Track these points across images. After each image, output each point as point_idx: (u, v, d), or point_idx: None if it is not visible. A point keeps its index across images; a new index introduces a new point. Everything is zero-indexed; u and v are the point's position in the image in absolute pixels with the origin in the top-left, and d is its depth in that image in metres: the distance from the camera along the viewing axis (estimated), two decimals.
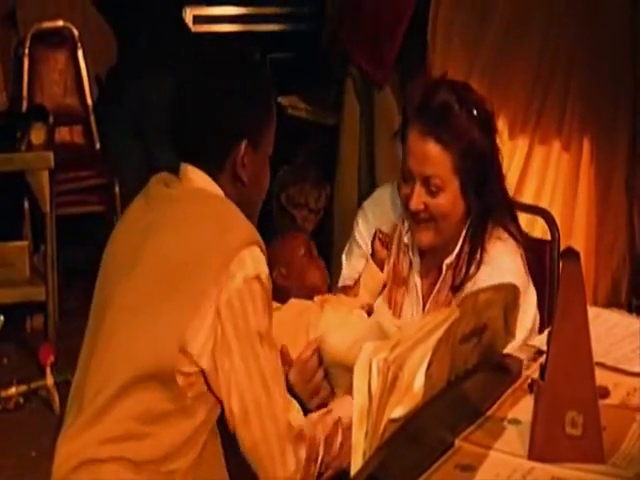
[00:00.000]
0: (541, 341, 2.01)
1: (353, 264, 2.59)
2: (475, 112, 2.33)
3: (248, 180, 2.13)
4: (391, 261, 2.52)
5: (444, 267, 2.43)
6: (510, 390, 1.95)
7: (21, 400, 4.05)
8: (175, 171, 2.20)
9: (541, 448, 1.71)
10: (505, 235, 2.42)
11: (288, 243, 2.57)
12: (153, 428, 2.00)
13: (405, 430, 1.55)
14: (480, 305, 1.77)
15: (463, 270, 2.40)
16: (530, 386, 1.94)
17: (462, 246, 2.42)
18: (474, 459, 1.70)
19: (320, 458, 2.06)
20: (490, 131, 2.37)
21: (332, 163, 3.96)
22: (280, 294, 2.38)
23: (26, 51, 5.12)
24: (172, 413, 2.00)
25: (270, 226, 4.57)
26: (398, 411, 1.54)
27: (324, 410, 2.15)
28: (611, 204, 3.28)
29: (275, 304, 2.27)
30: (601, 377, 1.84)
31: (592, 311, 1.94)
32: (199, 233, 2.04)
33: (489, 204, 2.39)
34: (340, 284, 2.59)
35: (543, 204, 3.14)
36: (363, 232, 2.58)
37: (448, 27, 3.44)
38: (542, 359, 1.81)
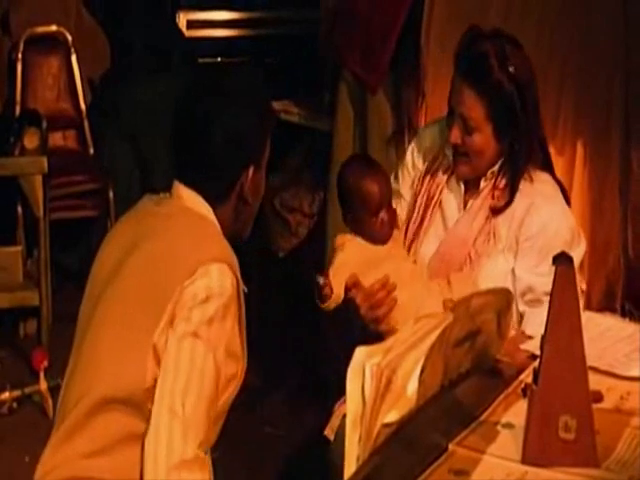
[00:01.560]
0: (534, 345, 2.01)
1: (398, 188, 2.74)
2: (512, 69, 2.47)
3: (252, 198, 2.18)
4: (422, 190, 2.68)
5: (482, 181, 2.58)
6: (503, 394, 1.96)
7: (15, 405, 4.05)
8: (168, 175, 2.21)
9: (535, 452, 1.71)
10: (544, 176, 2.58)
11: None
12: (127, 447, 1.99)
13: (399, 435, 1.55)
14: (473, 309, 1.78)
15: (501, 192, 2.55)
16: (523, 390, 1.94)
17: (499, 171, 2.57)
18: (468, 463, 1.70)
19: None
20: (526, 87, 2.50)
21: (326, 168, 3.96)
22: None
23: (19, 56, 5.11)
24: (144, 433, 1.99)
25: (263, 230, 4.58)
26: (392, 416, 1.54)
27: None
28: (604, 209, 3.29)
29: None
30: (594, 381, 1.84)
31: (585, 315, 1.94)
32: (173, 247, 2.05)
33: (523, 153, 2.53)
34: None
35: None
36: (415, 155, 2.75)
37: (441, 32, 3.44)
38: (535, 363, 1.81)
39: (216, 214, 2.14)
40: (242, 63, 2.25)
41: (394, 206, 2.60)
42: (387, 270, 2.46)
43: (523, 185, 2.55)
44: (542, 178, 2.58)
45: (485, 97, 2.48)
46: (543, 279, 2.41)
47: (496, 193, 2.58)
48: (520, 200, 2.54)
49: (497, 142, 2.54)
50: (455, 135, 2.53)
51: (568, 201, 2.63)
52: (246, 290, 2.12)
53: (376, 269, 2.47)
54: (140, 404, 1.98)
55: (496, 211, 2.56)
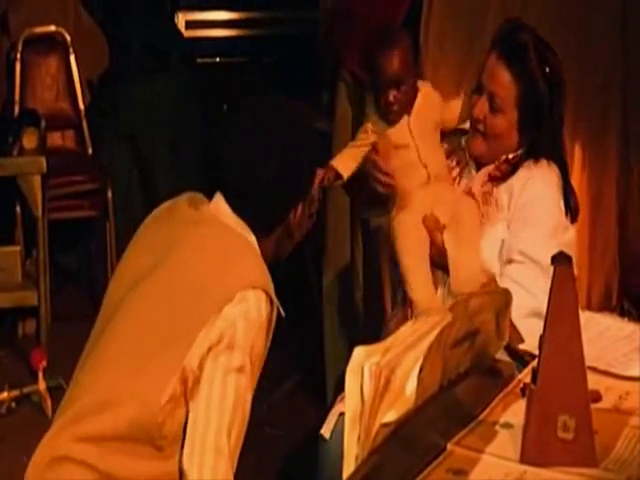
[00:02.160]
0: (533, 345, 2.01)
1: None
2: (548, 70, 2.53)
3: (297, 230, 2.19)
4: None
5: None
6: (502, 394, 1.95)
7: (13, 405, 4.05)
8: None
9: (533, 452, 1.71)
10: (553, 166, 2.59)
11: None
12: (128, 448, 1.99)
13: (397, 434, 1.55)
14: (472, 309, 1.78)
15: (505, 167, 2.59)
16: (522, 390, 1.94)
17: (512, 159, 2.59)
18: (466, 463, 1.70)
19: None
20: (557, 91, 2.55)
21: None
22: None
23: (18, 56, 5.11)
24: (148, 454, 1.99)
25: None
26: (390, 415, 1.54)
27: None
28: (603, 208, 3.29)
29: None
30: (593, 381, 1.84)
31: (584, 315, 1.94)
32: (210, 268, 2.02)
33: (541, 149, 2.57)
34: None
35: None
36: None
37: (440, 32, 3.44)
38: (534, 363, 1.81)
39: (259, 244, 2.11)
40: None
41: None
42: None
43: (528, 163, 2.58)
44: (552, 169, 2.60)
45: (519, 82, 2.52)
46: (519, 240, 2.49)
47: (501, 168, 2.60)
48: (520, 174, 2.57)
49: (517, 132, 2.57)
50: (479, 110, 2.56)
51: (574, 206, 2.63)
52: (283, 314, 2.11)
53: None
54: (150, 427, 1.97)
55: (494, 179, 2.58)
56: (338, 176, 2.64)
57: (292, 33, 6.10)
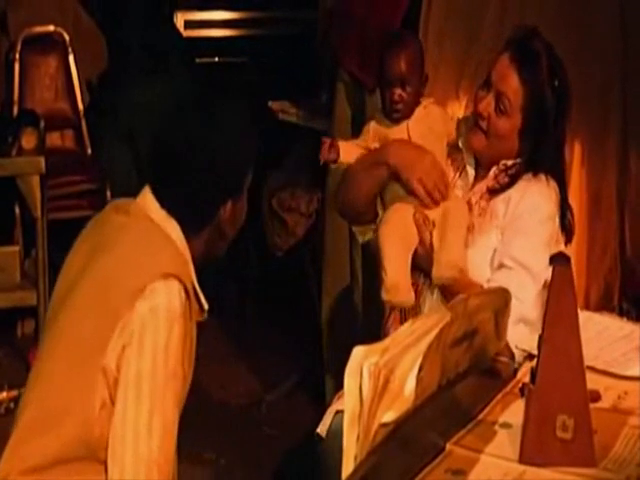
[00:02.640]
0: (532, 345, 2.01)
1: None
2: (556, 82, 2.53)
3: (229, 230, 2.13)
4: None
5: (493, 170, 2.59)
6: (501, 394, 1.96)
7: (12, 405, 4.04)
8: None
9: (532, 452, 1.71)
10: (548, 183, 2.58)
11: None
12: (74, 468, 1.97)
13: (396, 434, 1.55)
14: (471, 309, 1.77)
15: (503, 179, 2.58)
16: (521, 390, 1.94)
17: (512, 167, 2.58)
18: (465, 463, 1.70)
19: None
20: (564, 105, 2.55)
21: (323, 167, 3.96)
22: None
23: (17, 56, 5.10)
24: (94, 470, 1.97)
25: (261, 230, 4.58)
26: (389, 415, 1.54)
27: None
28: (602, 209, 3.29)
29: None
30: (592, 381, 1.84)
31: (583, 315, 1.94)
32: (122, 263, 2.00)
33: (541, 162, 2.56)
34: None
35: None
36: None
37: (439, 33, 3.44)
38: (533, 363, 1.81)
39: (188, 242, 2.07)
40: (240, 86, 2.18)
41: None
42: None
43: (527, 176, 2.57)
44: (550, 185, 2.58)
45: (527, 88, 2.52)
46: (511, 246, 2.49)
47: (499, 178, 2.59)
48: (518, 186, 2.56)
49: (519, 137, 2.55)
50: (485, 107, 2.54)
51: (569, 227, 2.63)
52: (206, 306, 2.08)
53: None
54: (90, 441, 1.95)
55: (493, 191, 2.57)
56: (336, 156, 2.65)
57: (291, 33, 6.09)
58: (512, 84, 2.52)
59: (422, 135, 2.61)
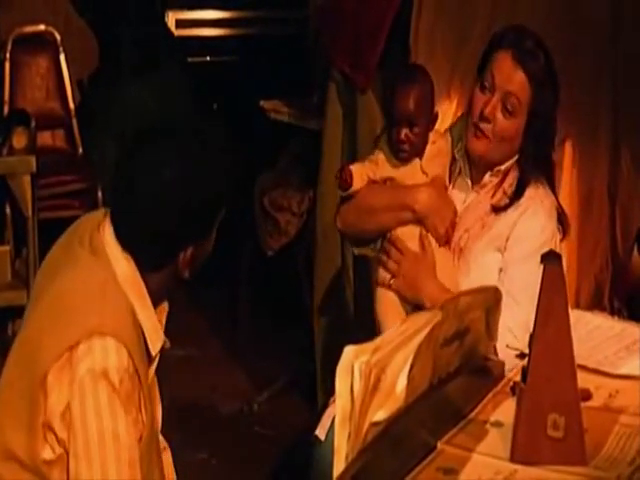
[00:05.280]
0: (523, 344, 2.02)
1: None
2: (553, 78, 2.55)
3: (188, 274, 2.02)
4: None
5: (487, 175, 2.60)
6: (492, 393, 1.95)
7: None
8: None
9: (523, 450, 1.71)
10: (550, 193, 2.60)
11: None
12: None
13: (387, 433, 1.55)
14: (462, 308, 1.77)
15: (504, 194, 2.58)
16: (512, 389, 1.94)
17: (506, 171, 2.59)
18: (456, 462, 1.70)
19: None
20: (556, 101, 2.57)
21: (315, 167, 3.96)
22: None
23: (7, 55, 5.10)
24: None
25: (253, 230, 4.57)
26: (380, 414, 1.54)
27: None
28: (593, 207, 3.29)
29: None
30: (583, 379, 1.84)
31: (574, 314, 1.94)
32: (66, 309, 1.92)
33: (539, 158, 2.57)
34: None
35: None
36: None
37: (430, 32, 3.44)
38: (524, 362, 1.81)
39: (143, 277, 1.97)
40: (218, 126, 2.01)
41: None
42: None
43: (528, 191, 2.57)
44: (547, 193, 2.60)
45: (533, 85, 2.51)
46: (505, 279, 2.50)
47: (499, 193, 2.59)
48: (520, 202, 2.56)
49: (521, 136, 2.55)
50: (491, 110, 2.52)
51: (565, 227, 2.65)
52: (157, 349, 2.01)
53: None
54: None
55: (497, 209, 2.57)
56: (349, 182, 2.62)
57: (282, 32, 6.10)
58: (520, 82, 2.51)
59: (437, 172, 2.60)
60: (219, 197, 2.01)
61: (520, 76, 2.52)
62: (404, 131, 2.54)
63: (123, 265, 1.96)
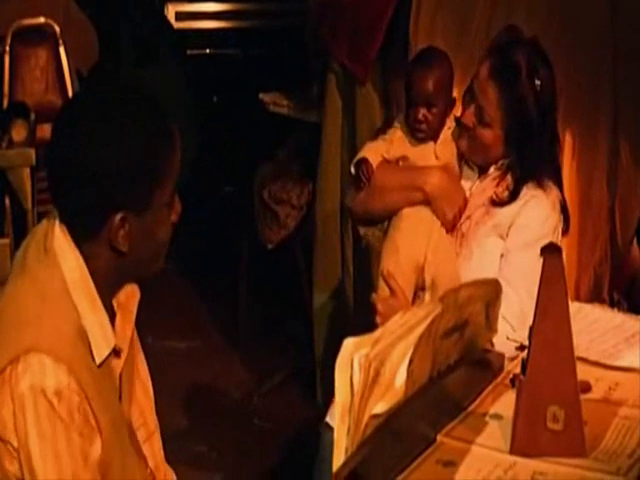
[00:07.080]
0: (523, 336, 2.02)
1: None
2: (539, 84, 2.50)
3: (131, 249, 1.93)
4: None
5: (493, 167, 2.60)
6: (492, 385, 1.96)
7: None
8: None
9: (523, 443, 1.71)
10: (554, 189, 2.59)
11: None
12: None
13: (387, 426, 1.55)
14: (461, 300, 1.77)
15: (505, 188, 2.57)
16: (512, 381, 1.94)
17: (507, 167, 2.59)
18: (456, 454, 1.70)
19: None
20: (547, 111, 2.53)
21: (314, 159, 3.95)
22: None
23: (7, 48, 5.09)
24: None
25: (252, 222, 4.57)
26: (380, 407, 1.54)
27: None
28: (593, 200, 3.29)
29: None
30: (582, 372, 1.84)
31: (573, 306, 1.94)
32: (9, 316, 1.88)
33: (530, 166, 2.55)
34: None
35: None
36: None
37: (430, 24, 3.43)
38: (524, 354, 1.81)
39: (85, 260, 1.92)
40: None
41: None
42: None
43: (532, 185, 2.57)
44: (552, 187, 2.59)
45: (506, 101, 2.50)
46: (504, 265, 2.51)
47: (501, 186, 2.59)
48: (522, 197, 2.56)
49: (504, 145, 2.55)
50: (469, 117, 2.54)
51: (567, 221, 2.65)
52: (102, 357, 1.92)
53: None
54: None
55: (496, 203, 2.58)
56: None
57: (282, 25, 6.09)
58: (491, 99, 2.51)
59: (449, 159, 2.62)
60: (149, 167, 1.92)
61: (492, 93, 2.51)
62: (422, 111, 2.57)
63: (71, 263, 1.92)
